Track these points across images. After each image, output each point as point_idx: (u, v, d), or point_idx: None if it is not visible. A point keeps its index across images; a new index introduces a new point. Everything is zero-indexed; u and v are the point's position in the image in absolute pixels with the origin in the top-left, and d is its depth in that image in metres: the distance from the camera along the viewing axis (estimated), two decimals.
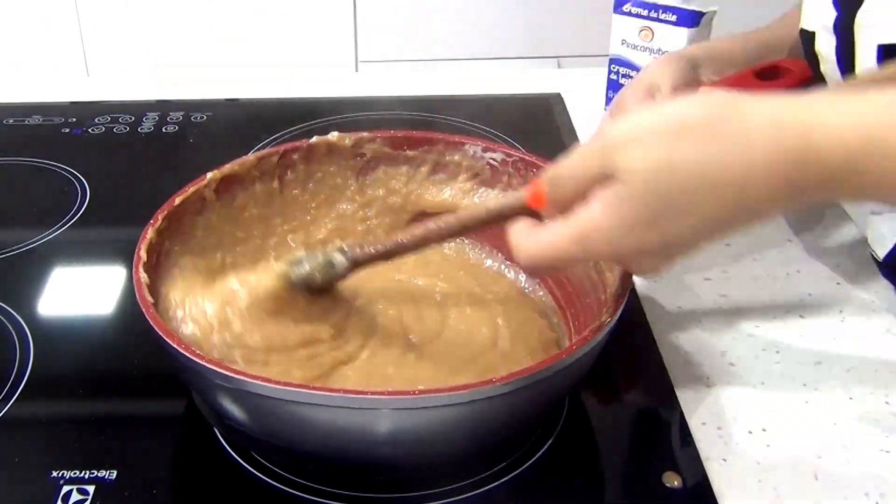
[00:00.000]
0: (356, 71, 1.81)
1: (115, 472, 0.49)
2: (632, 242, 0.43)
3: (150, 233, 0.53)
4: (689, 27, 0.81)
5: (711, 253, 0.67)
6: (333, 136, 0.63)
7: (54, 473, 0.49)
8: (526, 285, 0.62)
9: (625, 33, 0.85)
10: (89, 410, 0.55)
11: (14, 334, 0.60)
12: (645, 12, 0.83)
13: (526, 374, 0.43)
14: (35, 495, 0.48)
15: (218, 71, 1.04)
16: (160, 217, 0.54)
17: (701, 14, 0.81)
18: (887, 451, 0.52)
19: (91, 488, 0.48)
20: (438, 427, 0.45)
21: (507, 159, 0.62)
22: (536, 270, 0.57)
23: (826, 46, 0.61)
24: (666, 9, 0.82)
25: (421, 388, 0.46)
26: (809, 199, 0.44)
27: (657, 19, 0.83)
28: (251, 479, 0.49)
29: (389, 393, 0.43)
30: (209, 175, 0.58)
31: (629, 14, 0.84)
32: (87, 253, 0.71)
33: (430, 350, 0.54)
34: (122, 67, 1.77)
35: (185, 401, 0.54)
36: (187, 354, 0.44)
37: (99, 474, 0.49)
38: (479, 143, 0.63)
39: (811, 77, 0.66)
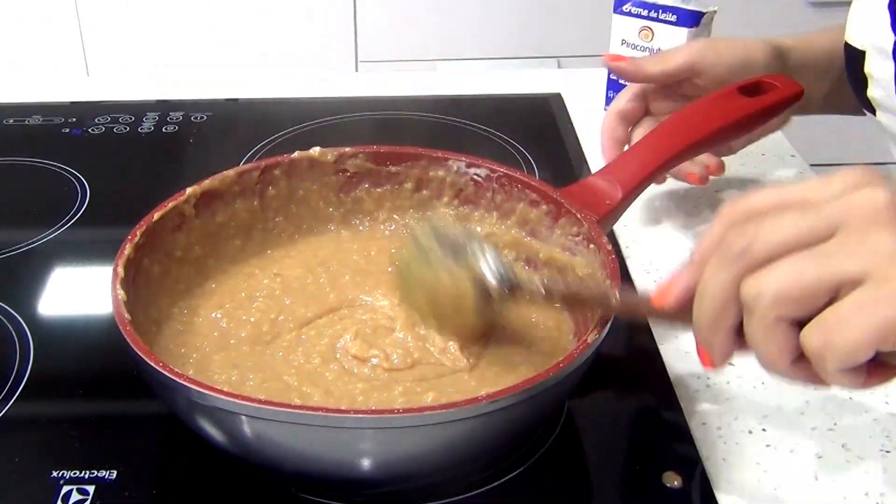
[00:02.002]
0: (356, 71, 1.81)
1: (115, 472, 0.49)
2: None
3: (127, 248, 0.52)
4: (689, 27, 0.81)
5: None
6: (315, 150, 0.62)
7: (54, 473, 0.49)
8: None
9: (625, 33, 0.85)
10: (89, 410, 0.55)
11: (14, 334, 0.60)
12: (645, 12, 0.83)
13: (510, 394, 0.43)
14: (35, 495, 0.48)
15: (218, 71, 1.05)
16: (138, 233, 0.53)
17: (701, 14, 0.81)
18: (887, 452, 0.52)
19: (91, 488, 0.48)
20: (428, 446, 0.44)
21: (492, 175, 0.61)
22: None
23: (880, 70, 0.58)
24: (666, 9, 0.82)
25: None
26: None
27: (657, 19, 0.83)
28: (252, 478, 0.49)
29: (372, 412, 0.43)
30: (188, 190, 0.57)
31: (629, 14, 0.84)
32: (87, 253, 0.71)
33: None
34: (122, 67, 1.77)
35: None
36: (164, 371, 0.44)
37: (99, 474, 0.49)
38: (463, 158, 0.62)
39: (799, 93, 0.63)
